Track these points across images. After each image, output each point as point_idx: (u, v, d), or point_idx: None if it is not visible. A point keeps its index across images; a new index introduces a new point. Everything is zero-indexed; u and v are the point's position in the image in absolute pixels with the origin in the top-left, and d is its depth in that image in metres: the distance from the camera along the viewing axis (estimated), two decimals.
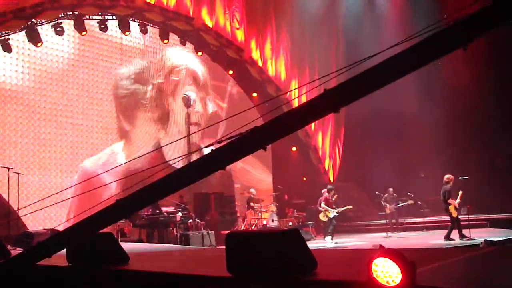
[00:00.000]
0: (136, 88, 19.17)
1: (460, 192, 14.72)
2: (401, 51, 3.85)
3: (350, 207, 18.24)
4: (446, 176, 15.07)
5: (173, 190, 5.12)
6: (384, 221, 19.56)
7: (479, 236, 14.44)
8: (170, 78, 20.25)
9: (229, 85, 22.71)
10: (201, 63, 21.54)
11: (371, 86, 4.14)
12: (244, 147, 4.62)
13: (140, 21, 19.33)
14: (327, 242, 16.56)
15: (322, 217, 17.57)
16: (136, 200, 5.16)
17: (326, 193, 17.73)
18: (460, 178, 15.06)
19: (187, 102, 19.73)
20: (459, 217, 14.70)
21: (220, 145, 4.62)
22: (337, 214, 17.26)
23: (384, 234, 18.15)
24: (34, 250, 6.15)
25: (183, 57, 21.04)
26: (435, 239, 15.18)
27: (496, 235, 15.02)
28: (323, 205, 17.44)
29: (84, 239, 5.72)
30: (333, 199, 17.84)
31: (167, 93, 20.17)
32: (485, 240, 12.74)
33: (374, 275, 3.32)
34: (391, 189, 19.34)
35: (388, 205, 18.89)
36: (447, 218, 15.21)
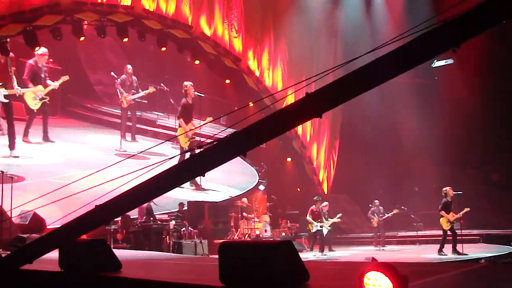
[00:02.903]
0: None
1: (465, 209, 14.70)
2: (387, 53, 3.69)
3: (333, 221, 18.01)
4: (443, 188, 15.16)
5: (152, 196, 5.07)
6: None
7: (471, 251, 14.47)
8: None
9: None
10: None
11: (356, 89, 3.97)
12: (223, 153, 4.52)
13: (139, 28, 19.34)
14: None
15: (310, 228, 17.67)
16: (115, 206, 5.09)
17: (313, 206, 17.72)
18: (454, 192, 15.11)
19: None
20: (456, 231, 14.71)
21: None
22: (321, 228, 17.23)
23: (376, 247, 18.16)
24: (15, 255, 6.08)
25: None
26: (428, 253, 15.20)
27: (489, 250, 15.07)
28: (308, 217, 17.45)
29: (63, 246, 5.71)
30: (324, 210, 17.86)
31: None
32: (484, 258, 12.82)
33: None
34: (377, 201, 19.01)
35: (374, 218, 18.67)
36: (440, 232, 15.24)
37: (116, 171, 6.42)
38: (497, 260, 13.23)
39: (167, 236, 15.48)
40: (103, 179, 5.92)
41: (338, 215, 18.21)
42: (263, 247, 4.34)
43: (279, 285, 3.89)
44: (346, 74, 3.88)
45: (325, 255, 16.64)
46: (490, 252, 14.42)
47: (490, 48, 21.28)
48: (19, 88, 16.24)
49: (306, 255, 16.15)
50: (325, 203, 18.46)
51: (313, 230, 17.31)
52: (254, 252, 4.20)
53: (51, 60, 17.49)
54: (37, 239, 6.51)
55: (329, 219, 17.81)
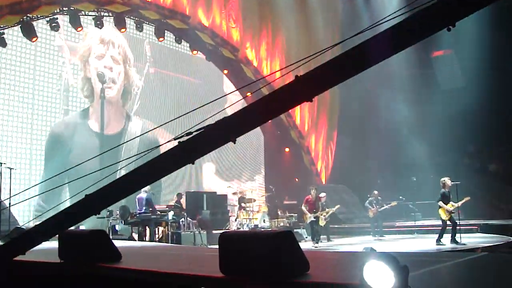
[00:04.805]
0: None
1: (465, 198, 14.61)
2: (378, 33, 3.49)
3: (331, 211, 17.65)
4: (441, 179, 15.08)
5: (142, 185, 5.00)
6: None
7: (469, 241, 14.51)
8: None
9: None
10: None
11: (347, 71, 3.79)
12: (212, 140, 4.39)
13: (136, 19, 19.29)
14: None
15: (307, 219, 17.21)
16: (105, 195, 5.03)
17: (309, 195, 16.98)
18: (452, 182, 15.09)
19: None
20: (456, 221, 14.69)
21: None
22: (315, 219, 16.58)
23: (374, 237, 18.15)
24: (6, 246, 6.02)
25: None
26: (427, 242, 15.22)
27: (487, 240, 15.12)
28: (303, 207, 16.78)
29: (54, 236, 5.70)
30: (322, 201, 17.38)
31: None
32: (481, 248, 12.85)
33: (367, 278, 3.33)
34: (376, 192, 18.66)
35: (371, 208, 18.37)
36: (438, 221, 15.25)
37: None
38: (495, 249, 13.28)
39: (166, 227, 15.48)
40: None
41: (336, 206, 18.03)
42: (264, 237, 4.34)
43: (280, 275, 3.89)
44: (336, 55, 3.71)
45: (316, 247, 16.35)
46: (487, 242, 14.46)
47: (489, 39, 21.26)
48: None
49: (305, 245, 16.07)
50: (323, 193, 18.02)
51: (308, 222, 16.87)
52: (254, 242, 4.20)
53: None
54: (28, 230, 6.49)
55: (326, 209, 17.55)
